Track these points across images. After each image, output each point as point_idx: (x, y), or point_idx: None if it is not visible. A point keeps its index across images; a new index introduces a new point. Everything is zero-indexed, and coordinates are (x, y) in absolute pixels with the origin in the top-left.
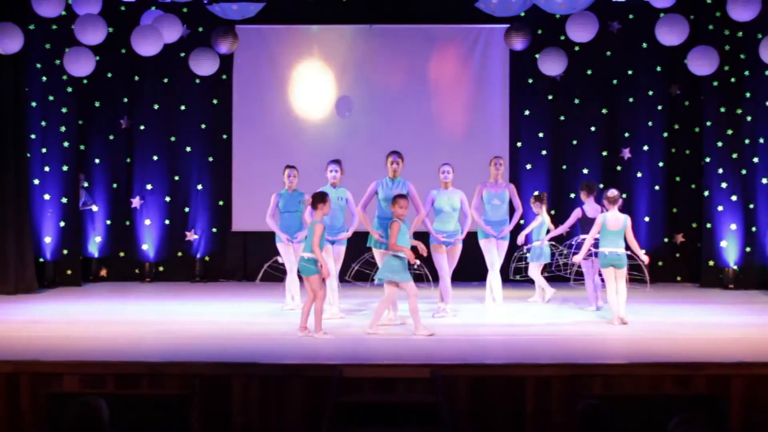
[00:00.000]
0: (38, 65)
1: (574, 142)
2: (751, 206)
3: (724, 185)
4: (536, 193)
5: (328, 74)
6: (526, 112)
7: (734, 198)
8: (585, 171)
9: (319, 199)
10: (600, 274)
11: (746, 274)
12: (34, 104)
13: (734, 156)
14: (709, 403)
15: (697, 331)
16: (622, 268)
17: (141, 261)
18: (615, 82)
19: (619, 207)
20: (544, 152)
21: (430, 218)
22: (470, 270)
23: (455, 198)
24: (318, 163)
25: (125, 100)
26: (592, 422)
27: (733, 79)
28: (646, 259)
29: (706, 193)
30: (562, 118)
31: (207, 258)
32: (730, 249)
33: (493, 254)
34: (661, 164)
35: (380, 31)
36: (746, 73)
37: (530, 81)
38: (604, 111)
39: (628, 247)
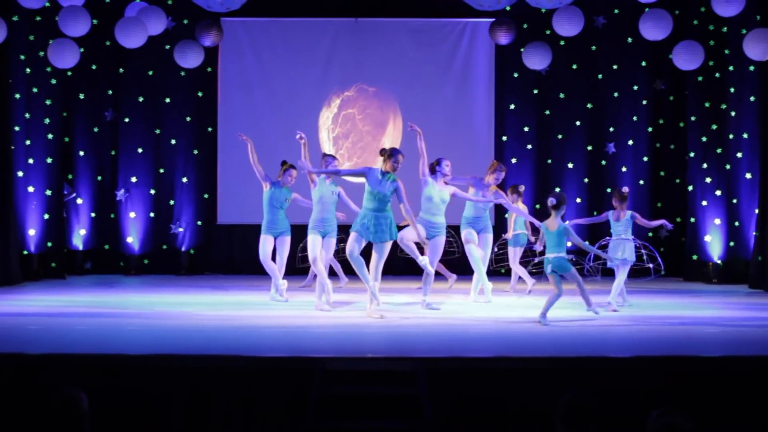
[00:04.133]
0: (22, 57)
1: (560, 137)
2: (735, 201)
3: (708, 180)
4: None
5: (314, 67)
6: (512, 106)
7: (718, 193)
8: (570, 165)
9: (564, 200)
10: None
11: (730, 269)
12: (17, 96)
13: (718, 151)
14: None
15: (681, 325)
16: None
17: (126, 254)
18: (600, 76)
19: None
20: (529, 146)
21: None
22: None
23: (446, 192)
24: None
25: (110, 92)
26: (575, 415)
27: (717, 74)
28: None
29: (690, 188)
30: (547, 112)
31: (192, 251)
32: (714, 243)
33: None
34: (645, 159)
35: (365, 24)
36: (730, 68)
37: (515, 75)
38: (589, 105)
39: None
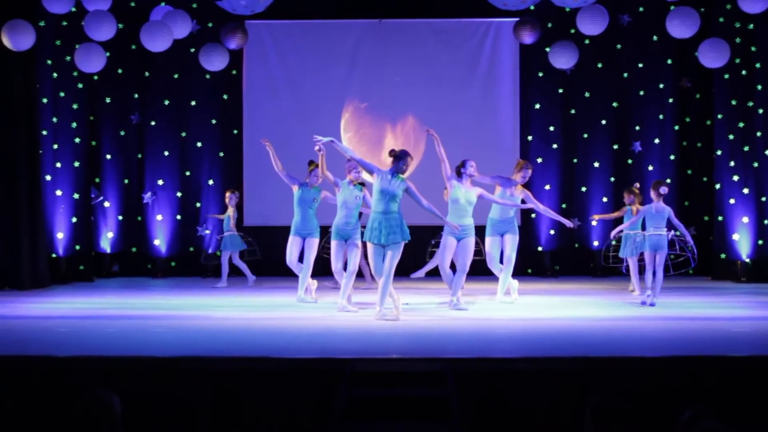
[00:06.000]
0: (49, 62)
1: (585, 136)
2: (764, 199)
3: (735, 178)
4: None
5: (338, 69)
6: (537, 106)
7: (746, 191)
8: (596, 164)
9: None
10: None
11: (759, 267)
12: (45, 101)
13: (746, 149)
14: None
15: (709, 324)
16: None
17: (153, 256)
18: (626, 75)
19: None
20: (555, 146)
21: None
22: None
23: (472, 193)
24: (328, 157)
25: (136, 95)
26: (603, 415)
27: (744, 72)
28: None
29: (718, 186)
30: (572, 111)
31: (218, 253)
32: (742, 242)
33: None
34: (672, 157)
35: (389, 25)
36: (757, 65)
37: (540, 75)
38: (614, 104)
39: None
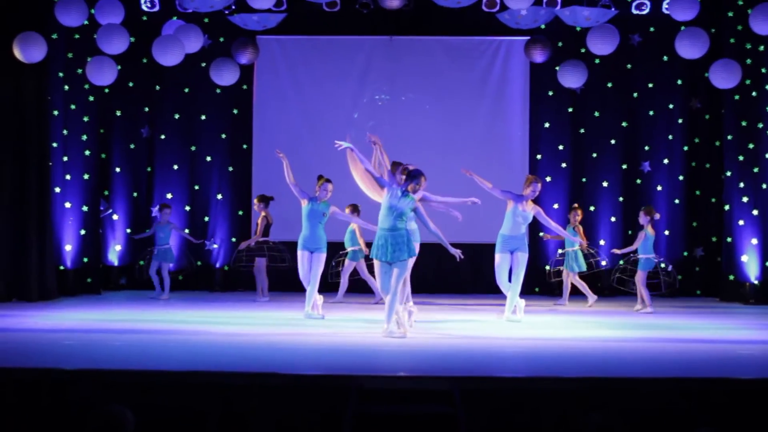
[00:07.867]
0: (60, 74)
1: (594, 155)
2: None
3: (745, 199)
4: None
5: (349, 84)
6: (546, 125)
7: (755, 212)
8: (605, 184)
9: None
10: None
11: (767, 289)
12: (56, 113)
13: (755, 170)
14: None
15: (716, 346)
16: None
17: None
18: (635, 95)
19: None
20: (564, 165)
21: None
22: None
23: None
24: (338, 172)
25: (146, 109)
26: None
27: (754, 93)
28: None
29: (727, 207)
30: (582, 130)
31: (226, 267)
32: (750, 263)
33: None
34: (681, 178)
35: (400, 42)
36: (767, 87)
37: (550, 93)
38: (624, 124)
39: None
